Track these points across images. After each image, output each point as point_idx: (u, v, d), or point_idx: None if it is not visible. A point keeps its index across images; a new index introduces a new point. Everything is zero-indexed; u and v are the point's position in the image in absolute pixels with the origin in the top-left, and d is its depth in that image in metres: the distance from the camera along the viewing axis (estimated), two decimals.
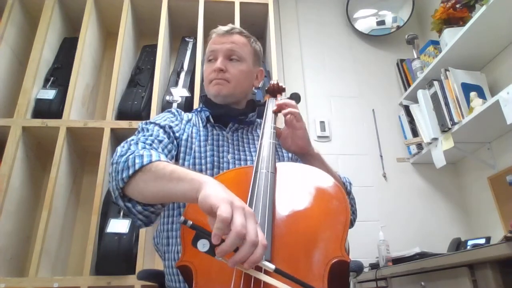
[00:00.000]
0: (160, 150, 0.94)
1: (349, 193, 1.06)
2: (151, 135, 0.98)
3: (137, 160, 0.79)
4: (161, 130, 1.02)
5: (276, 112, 1.05)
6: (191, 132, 1.08)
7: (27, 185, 1.88)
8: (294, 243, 0.70)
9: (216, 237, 0.57)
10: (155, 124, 1.03)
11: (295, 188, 0.81)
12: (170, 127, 1.04)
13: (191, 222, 0.58)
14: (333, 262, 0.66)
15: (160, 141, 0.98)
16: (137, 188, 0.80)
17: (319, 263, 0.66)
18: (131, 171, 0.79)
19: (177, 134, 1.05)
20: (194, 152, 1.04)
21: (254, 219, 0.61)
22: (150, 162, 0.79)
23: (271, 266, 0.59)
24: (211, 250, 0.58)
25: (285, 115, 1.01)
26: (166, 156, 0.94)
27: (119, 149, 0.89)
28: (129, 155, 0.82)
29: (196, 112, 1.18)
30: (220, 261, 0.58)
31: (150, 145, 0.93)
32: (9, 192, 1.71)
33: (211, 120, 1.12)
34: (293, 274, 0.59)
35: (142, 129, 1.02)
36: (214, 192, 0.63)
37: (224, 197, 0.61)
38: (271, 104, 1.11)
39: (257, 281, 0.61)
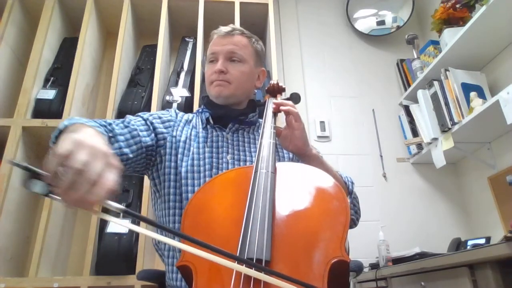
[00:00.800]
0: (121, 131, 0.97)
1: (351, 192, 1.06)
2: (123, 121, 1.01)
3: (65, 122, 0.86)
4: (141, 121, 1.04)
5: (275, 112, 1.05)
6: (190, 134, 1.09)
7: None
8: (294, 243, 0.70)
9: (49, 172, 0.54)
10: (139, 115, 1.07)
11: (295, 188, 0.81)
12: (152, 123, 1.06)
13: (25, 164, 0.54)
14: (333, 262, 0.66)
15: (127, 126, 1.00)
16: None
17: (319, 263, 0.66)
18: (56, 132, 0.86)
19: (157, 130, 1.06)
20: (193, 153, 1.04)
21: (105, 159, 0.58)
22: (73, 124, 0.83)
23: (120, 207, 0.57)
24: (45, 189, 0.55)
25: (285, 112, 1.01)
26: (117, 137, 0.95)
27: None
28: (67, 119, 0.88)
29: (197, 113, 1.18)
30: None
31: (110, 124, 0.97)
32: (9, 192, 1.71)
33: (211, 121, 1.12)
34: (293, 274, 0.59)
35: (126, 117, 1.05)
36: (73, 134, 0.61)
37: (74, 137, 0.58)
38: (271, 104, 1.11)
39: (257, 280, 0.61)
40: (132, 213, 0.59)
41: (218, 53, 1.11)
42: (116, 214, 0.60)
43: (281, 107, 1.01)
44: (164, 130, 1.07)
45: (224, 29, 1.14)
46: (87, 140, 0.59)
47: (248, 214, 0.72)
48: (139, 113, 1.09)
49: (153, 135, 1.04)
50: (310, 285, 0.58)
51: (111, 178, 0.57)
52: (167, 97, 2.04)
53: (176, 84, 2.13)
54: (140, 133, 1.01)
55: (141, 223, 1.37)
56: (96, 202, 0.55)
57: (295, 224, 0.73)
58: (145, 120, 1.06)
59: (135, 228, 0.61)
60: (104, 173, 0.56)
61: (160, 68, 2.05)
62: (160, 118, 1.10)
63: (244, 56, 1.12)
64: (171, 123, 1.10)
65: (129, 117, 1.05)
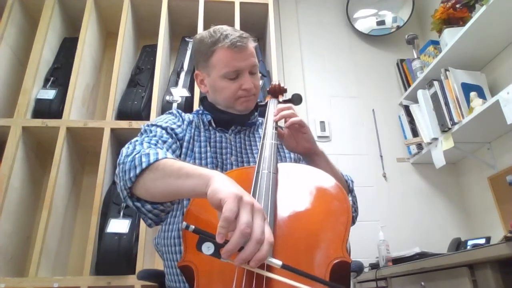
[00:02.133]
0: (164, 149, 0.94)
1: (351, 191, 1.07)
2: (154, 136, 0.97)
3: (143, 159, 0.79)
4: (164, 131, 1.02)
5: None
6: (193, 134, 1.08)
7: (27, 185, 1.88)
8: (295, 243, 0.70)
9: (220, 236, 0.56)
10: (157, 126, 1.03)
11: (297, 189, 0.81)
12: (172, 129, 1.04)
13: (194, 227, 0.57)
14: (334, 262, 0.66)
15: (164, 141, 0.98)
16: (145, 187, 0.79)
17: (321, 263, 0.66)
18: (138, 170, 0.78)
19: (180, 135, 1.05)
20: (195, 153, 1.04)
21: (263, 215, 0.60)
22: (157, 160, 0.78)
23: (278, 263, 0.58)
24: (217, 252, 0.57)
25: (288, 127, 1.00)
26: (172, 155, 0.94)
27: (124, 150, 0.88)
28: (135, 154, 0.81)
29: (197, 114, 1.17)
30: (222, 261, 0.57)
31: (155, 144, 0.93)
32: (9, 192, 1.71)
33: (213, 124, 1.12)
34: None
35: (145, 131, 1.02)
36: (223, 186, 0.62)
37: (232, 192, 0.59)
38: (272, 105, 1.11)
39: (259, 280, 0.61)
40: (293, 268, 0.58)
41: (243, 69, 1.05)
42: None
43: (286, 124, 0.99)
44: (181, 134, 1.06)
45: (239, 41, 1.04)
46: (241, 193, 0.60)
47: None
48: (155, 123, 1.04)
49: (178, 142, 1.03)
50: (316, 276, 0.58)
51: (270, 233, 0.59)
52: (167, 97, 2.03)
53: (176, 84, 2.13)
54: (173, 146, 1.00)
55: None
56: (263, 260, 0.57)
57: (297, 225, 0.73)
58: (165, 129, 1.03)
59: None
60: (266, 228, 0.59)
61: (160, 68, 2.05)
62: (175, 123, 1.07)
63: (258, 65, 1.11)
64: (181, 124, 1.10)
65: (151, 130, 1.01)
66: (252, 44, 1.08)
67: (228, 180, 0.65)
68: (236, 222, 0.57)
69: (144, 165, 0.78)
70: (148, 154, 0.79)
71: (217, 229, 0.57)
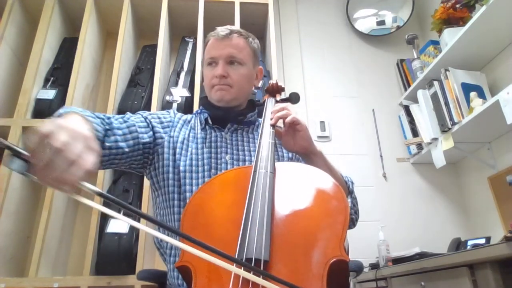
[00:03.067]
0: (119, 126, 0.98)
1: (351, 192, 1.06)
2: (123, 117, 1.02)
3: (61, 110, 0.86)
4: (141, 119, 1.06)
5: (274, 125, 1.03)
6: (188, 135, 1.09)
7: (27, 185, 1.88)
8: (293, 242, 0.70)
9: (32, 153, 0.55)
10: (139, 113, 1.09)
11: (295, 188, 0.81)
12: (150, 121, 1.07)
13: (7, 142, 0.54)
14: (332, 261, 0.66)
15: (125, 121, 1.01)
16: None
17: (318, 262, 0.66)
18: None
19: (155, 129, 1.07)
20: (191, 154, 1.04)
21: (85, 142, 0.59)
22: (68, 112, 0.83)
23: (95, 189, 0.57)
24: (28, 169, 0.55)
25: (287, 125, 1.00)
26: (114, 131, 0.96)
27: None
28: (64, 108, 0.89)
29: (196, 114, 1.18)
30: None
31: (109, 118, 0.98)
32: (9, 192, 1.71)
33: (210, 121, 1.12)
34: (292, 273, 0.59)
35: (126, 113, 1.06)
36: (58, 119, 0.63)
37: (58, 122, 0.60)
38: (270, 104, 1.11)
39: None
40: (108, 196, 0.58)
41: (218, 57, 1.10)
42: (117, 210, 0.60)
43: (281, 119, 0.99)
44: (162, 131, 1.08)
45: (221, 31, 1.12)
46: (69, 124, 0.60)
47: (247, 214, 0.72)
48: (139, 112, 1.10)
49: (151, 132, 1.05)
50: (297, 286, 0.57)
51: (89, 160, 0.58)
52: (167, 97, 2.04)
53: (176, 84, 2.13)
54: (138, 129, 1.02)
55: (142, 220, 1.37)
56: (72, 182, 0.56)
57: (294, 224, 0.73)
58: (144, 118, 1.07)
59: (132, 222, 0.60)
60: (83, 154, 0.57)
61: (160, 68, 2.05)
62: (159, 118, 1.11)
63: (243, 59, 1.12)
64: (170, 123, 1.11)
65: (129, 114, 1.06)
66: (237, 37, 1.12)
67: (74, 121, 0.68)
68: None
69: (57, 114, 0.85)
70: (69, 108, 0.87)
71: (31, 146, 0.56)
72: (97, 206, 0.59)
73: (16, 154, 0.55)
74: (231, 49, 1.10)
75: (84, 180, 0.57)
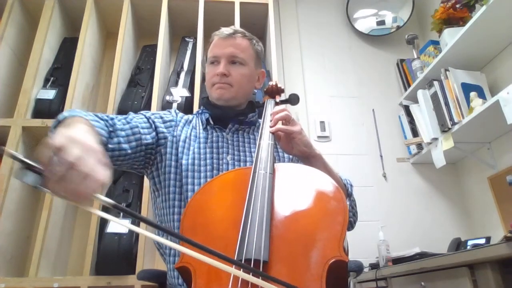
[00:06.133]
0: (123, 127, 0.98)
1: (350, 195, 1.06)
2: (125, 118, 1.02)
3: (65, 114, 0.86)
4: (144, 119, 1.05)
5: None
6: (190, 134, 1.09)
7: (27, 185, 1.87)
8: (292, 243, 0.70)
9: (43, 165, 0.55)
10: (142, 113, 1.08)
11: (294, 189, 0.81)
12: (153, 121, 1.07)
13: (20, 156, 0.54)
14: (331, 262, 0.66)
15: (129, 122, 1.01)
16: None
17: (317, 263, 0.66)
18: (55, 122, 0.86)
19: (158, 129, 1.07)
20: (193, 153, 1.04)
21: (96, 156, 0.60)
22: (72, 116, 0.84)
23: (109, 201, 0.57)
24: (42, 182, 0.55)
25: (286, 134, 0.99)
26: (117, 132, 0.96)
27: None
28: (67, 111, 0.88)
29: (197, 114, 1.19)
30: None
31: (112, 119, 0.98)
32: (9, 192, 1.71)
33: (211, 121, 1.12)
34: (291, 274, 0.59)
35: (128, 114, 1.06)
36: (68, 131, 0.64)
37: (68, 134, 0.60)
38: (269, 105, 1.12)
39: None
40: (122, 208, 0.59)
41: (220, 56, 1.11)
42: (116, 213, 0.61)
43: (280, 120, 0.99)
44: (165, 130, 1.08)
45: (225, 31, 1.14)
46: (80, 137, 0.61)
47: (247, 215, 0.72)
48: (142, 112, 1.10)
49: (154, 133, 1.05)
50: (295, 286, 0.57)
51: (103, 172, 0.59)
52: (167, 97, 2.04)
53: (176, 84, 2.13)
54: (141, 130, 1.02)
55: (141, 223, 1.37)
56: (86, 195, 0.56)
57: (294, 225, 0.73)
58: (147, 118, 1.07)
59: (132, 227, 0.61)
60: (96, 167, 0.58)
61: (160, 68, 2.05)
62: (161, 118, 1.11)
63: (245, 59, 1.13)
64: (172, 123, 1.11)
65: (131, 114, 1.06)
66: (240, 37, 1.14)
67: (83, 132, 0.69)
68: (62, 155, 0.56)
69: (60, 117, 0.86)
70: (72, 111, 0.87)
71: (44, 160, 0.56)
72: (112, 218, 0.60)
73: (29, 167, 0.55)
74: (233, 48, 1.11)
75: (98, 193, 0.57)
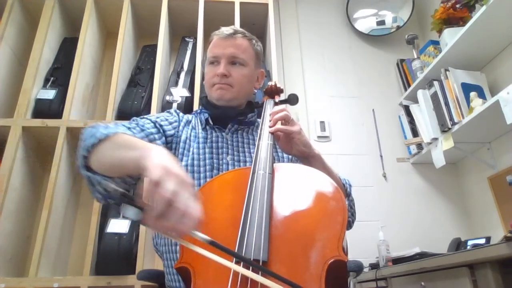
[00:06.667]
0: (138, 136, 0.95)
1: (349, 194, 1.06)
2: (137, 124, 1.00)
3: (103, 131, 0.82)
4: (151, 124, 1.04)
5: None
6: (190, 135, 1.09)
7: (27, 185, 1.88)
8: (291, 243, 0.70)
9: (144, 201, 0.56)
10: (146, 118, 1.06)
11: (293, 189, 0.81)
12: (161, 125, 1.06)
13: (122, 190, 0.57)
14: (330, 262, 0.66)
15: (142, 130, 0.99)
16: (97, 157, 0.81)
17: (317, 263, 0.66)
18: (94, 140, 0.80)
19: (167, 133, 1.06)
20: (193, 153, 1.04)
21: (190, 189, 0.60)
22: (116, 133, 0.81)
23: (205, 237, 0.58)
24: (141, 217, 0.57)
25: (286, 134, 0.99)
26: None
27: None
28: (99, 127, 0.84)
29: (196, 114, 1.18)
30: (218, 263, 0.57)
31: (128, 129, 0.95)
32: (9, 192, 1.71)
33: (210, 121, 1.12)
34: (290, 274, 0.59)
35: (133, 120, 1.04)
36: (156, 157, 0.63)
37: (160, 162, 0.60)
38: (268, 106, 1.12)
39: (255, 282, 0.61)
40: (220, 245, 0.59)
41: (220, 56, 1.11)
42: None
43: (279, 120, 0.99)
44: (173, 132, 1.08)
45: (225, 31, 1.13)
46: (171, 166, 0.60)
47: (246, 215, 0.72)
48: (145, 116, 1.08)
49: (163, 138, 1.04)
50: (298, 285, 0.58)
51: (197, 208, 0.59)
52: (167, 97, 2.04)
53: (176, 84, 2.13)
54: (156, 136, 1.01)
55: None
56: (185, 232, 0.57)
57: (293, 225, 0.73)
58: (153, 122, 1.05)
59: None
60: (191, 202, 0.58)
61: (160, 68, 2.05)
62: (166, 120, 1.09)
63: (245, 59, 1.12)
64: (176, 124, 1.11)
65: (141, 121, 1.03)
66: (241, 38, 1.13)
67: (166, 155, 0.65)
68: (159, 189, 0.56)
69: (100, 136, 0.80)
70: (107, 127, 0.83)
71: (144, 193, 0.57)
72: (209, 254, 0.59)
73: (130, 202, 0.57)
74: (234, 49, 1.11)
75: (195, 229, 0.58)
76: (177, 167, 0.61)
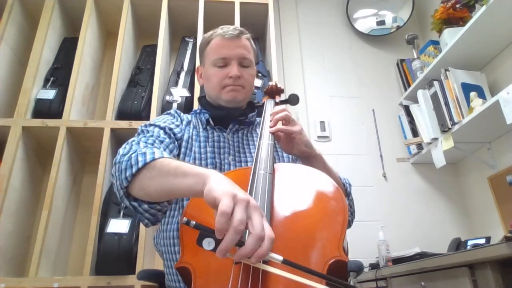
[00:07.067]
0: (161, 149, 0.93)
1: (348, 194, 1.06)
2: (151, 136, 0.97)
3: (140, 158, 0.78)
4: (162, 131, 1.02)
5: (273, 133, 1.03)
6: (191, 134, 1.08)
7: (27, 185, 1.88)
8: (292, 243, 0.70)
9: (219, 233, 0.56)
10: (155, 125, 1.03)
11: (293, 189, 0.81)
12: (170, 129, 1.04)
13: (194, 222, 0.58)
14: (331, 262, 0.66)
15: (161, 141, 0.97)
16: (141, 186, 0.78)
17: (317, 263, 0.66)
18: (134, 169, 0.77)
19: (178, 135, 1.05)
20: (194, 153, 1.04)
21: (259, 212, 0.60)
22: (154, 159, 0.78)
23: (278, 258, 0.59)
24: (217, 248, 0.57)
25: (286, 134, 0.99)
26: (169, 155, 0.93)
27: (121, 150, 0.88)
28: (132, 153, 0.81)
29: (195, 114, 1.17)
30: (219, 261, 0.57)
31: (152, 144, 0.93)
32: (9, 192, 1.71)
33: (211, 122, 1.12)
34: (291, 274, 0.59)
35: (142, 131, 1.02)
36: (219, 184, 0.63)
37: (227, 190, 0.60)
38: (269, 106, 1.12)
39: (255, 281, 0.61)
40: (293, 263, 0.59)
41: (230, 57, 1.09)
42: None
43: (280, 121, 0.99)
44: (182, 132, 1.07)
45: (231, 31, 1.10)
46: (235, 191, 0.61)
47: None
48: (153, 123, 1.05)
49: (176, 142, 1.04)
50: (317, 271, 0.59)
51: (270, 228, 0.60)
52: (167, 97, 2.04)
53: (176, 84, 2.13)
54: (173, 146, 1.00)
55: None
56: (261, 258, 0.58)
57: (293, 225, 0.73)
58: (163, 129, 1.03)
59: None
60: (262, 225, 0.59)
61: (160, 68, 2.05)
62: (173, 123, 1.08)
63: (251, 60, 1.13)
64: (179, 124, 1.10)
65: (151, 130, 1.01)
66: (245, 38, 1.12)
67: (225, 178, 0.65)
68: (230, 219, 0.57)
69: (140, 164, 0.77)
70: (144, 153, 0.79)
71: (215, 225, 0.56)
72: (287, 274, 0.59)
73: (208, 235, 0.58)
74: (242, 50, 1.10)
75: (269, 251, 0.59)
76: (241, 191, 0.62)
